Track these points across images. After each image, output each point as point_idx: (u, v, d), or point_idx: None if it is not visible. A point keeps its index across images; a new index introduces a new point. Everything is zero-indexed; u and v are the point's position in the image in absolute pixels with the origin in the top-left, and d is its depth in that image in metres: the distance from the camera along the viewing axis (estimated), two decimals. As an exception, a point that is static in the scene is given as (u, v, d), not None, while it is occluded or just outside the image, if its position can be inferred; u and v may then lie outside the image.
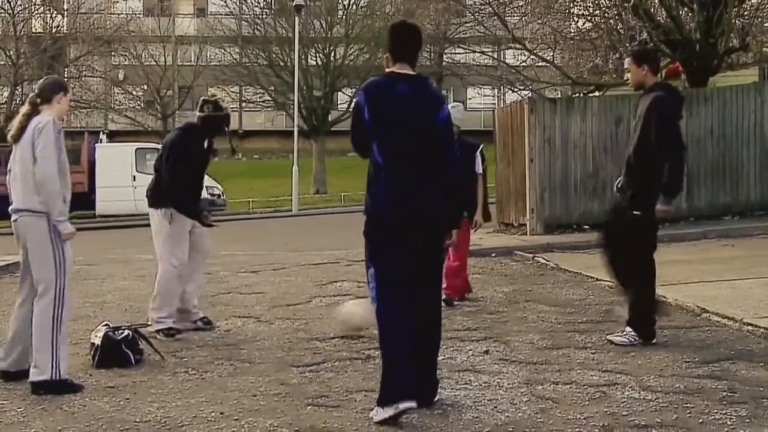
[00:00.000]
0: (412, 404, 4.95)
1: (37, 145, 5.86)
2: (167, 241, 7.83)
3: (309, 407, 5.40)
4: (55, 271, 5.93)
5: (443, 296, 8.45)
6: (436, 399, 5.36)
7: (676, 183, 6.62)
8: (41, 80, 6.39)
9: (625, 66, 7.03)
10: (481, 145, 9.60)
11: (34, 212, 5.95)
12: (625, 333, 6.77)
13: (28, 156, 5.94)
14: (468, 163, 8.84)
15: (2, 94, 37.11)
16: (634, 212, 6.66)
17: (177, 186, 7.78)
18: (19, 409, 5.54)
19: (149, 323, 7.68)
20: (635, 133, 6.80)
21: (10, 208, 6.09)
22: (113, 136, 39.53)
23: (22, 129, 6.02)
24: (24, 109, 6.14)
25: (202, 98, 8.29)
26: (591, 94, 18.80)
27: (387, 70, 5.24)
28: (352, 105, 5.39)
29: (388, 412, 4.92)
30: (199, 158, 8.04)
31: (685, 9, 17.61)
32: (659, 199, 6.60)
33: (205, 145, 8.05)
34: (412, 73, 5.21)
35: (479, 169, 8.98)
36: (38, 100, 6.10)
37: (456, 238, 8.45)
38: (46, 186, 5.85)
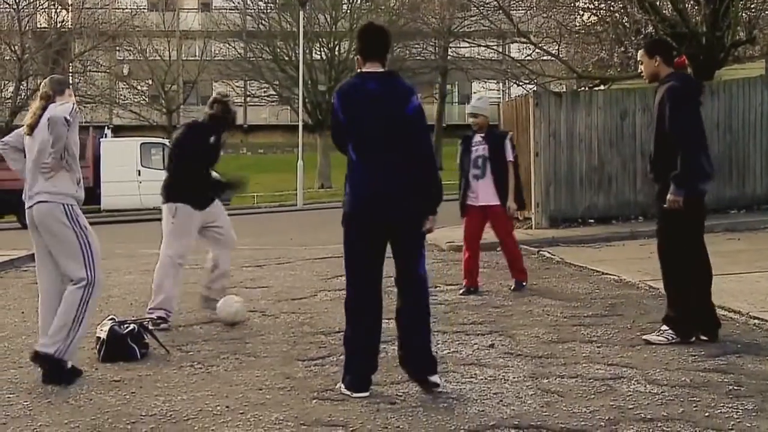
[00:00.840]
0: (365, 394, 5.37)
1: (49, 111, 5.92)
2: (169, 234, 7.99)
3: (314, 401, 5.40)
4: (82, 254, 6.02)
5: (514, 283, 9.05)
6: (440, 387, 5.44)
7: (685, 172, 6.36)
8: (46, 79, 6.40)
9: (638, 58, 6.92)
10: (510, 133, 9.70)
11: (51, 194, 5.96)
12: (661, 332, 6.59)
13: (46, 142, 5.94)
14: (498, 151, 8.97)
15: (7, 89, 37.17)
16: (664, 205, 6.49)
17: (185, 182, 7.91)
18: (25, 403, 5.55)
19: (154, 317, 7.71)
20: (653, 125, 6.66)
21: (24, 197, 6.11)
22: (118, 130, 39.63)
23: (38, 119, 6.06)
24: (37, 102, 6.17)
25: (213, 96, 8.36)
26: (596, 88, 18.77)
27: (357, 70, 5.52)
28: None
29: (346, 391, 5.43)
30: (205, 154, 8.09)
31: (692, 2, 17.54)
32: (670, 188, 6.41)
33: (212, 141, 8.09)
34: (381, 70, 5.46)
35: (510, 156, 9.10)
36: (51, 93, 6.15)
37: (499, 228, 9.02)
38: (58, 127, 5.83)
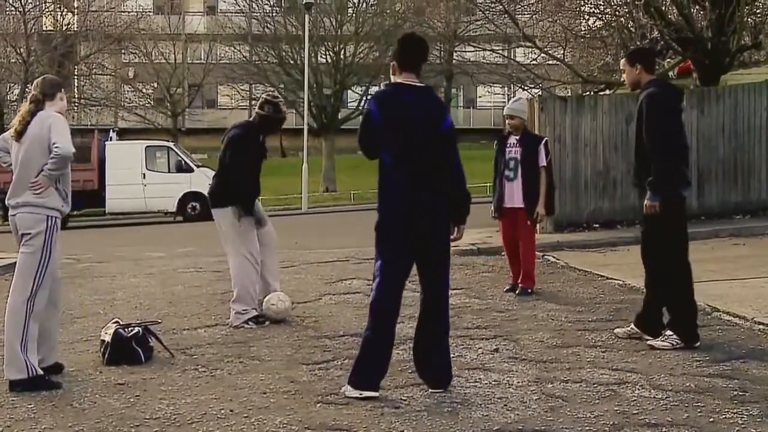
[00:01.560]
0: (375, 394, 5.44)
1: (54, 134, 5.93)
2: (237, 238, 7.99)
3: (319, 404, 5.40)
4: (37, 269, 5.96)
5: (519, 289, 9.06)
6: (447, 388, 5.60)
7: (660, 179, 6.51)
8: (38, 79, 6.42)
9: (621, 67, 7.09)
10: (545, 138, 9.73)
11: (37, 207, 5.99)
12: (666, 337, 6.60)
13: (36, 149, 5.97)
14: (531, 155, 9.08)
15: (13, 92, 37.26)
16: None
17: (241, 182, 7.95)
18: (29, 406, 5.55)
19: (159, 321, 7.72)
20: (636, 133, 6.79)
21: (7, 202, 6.13)
22: (123, 133, 39.67)
23: (26, 125, 6.06)
24: (27, 106, 6.17)
25: (264, 97, 8.43)
26: (601, 93, 18.76)
27: (393, 78, 5.62)
28: (363, 111, 5.61)
29: (353, 393, 5.46)
30: (257, 155, 8.16)
31: (697, 7, 17.54)
32: (647, 194, 6.58)
33: (261, 141, 8.22)
34: (418, 83, 5.59)
35: (543, 161, 9.14)
36: (41, 97, 6.15)
37: (520, 232, 9.12)
38: (65, 162, 5.94)
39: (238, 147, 8.03)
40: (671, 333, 6.58)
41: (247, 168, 8.01)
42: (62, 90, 6.34)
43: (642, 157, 6.68)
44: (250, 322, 7.89)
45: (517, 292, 9.10)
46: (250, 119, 8.49)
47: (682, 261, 6.69)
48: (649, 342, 6.68)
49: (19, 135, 6.08)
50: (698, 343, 6.53)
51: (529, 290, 9.14)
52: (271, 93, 8.88)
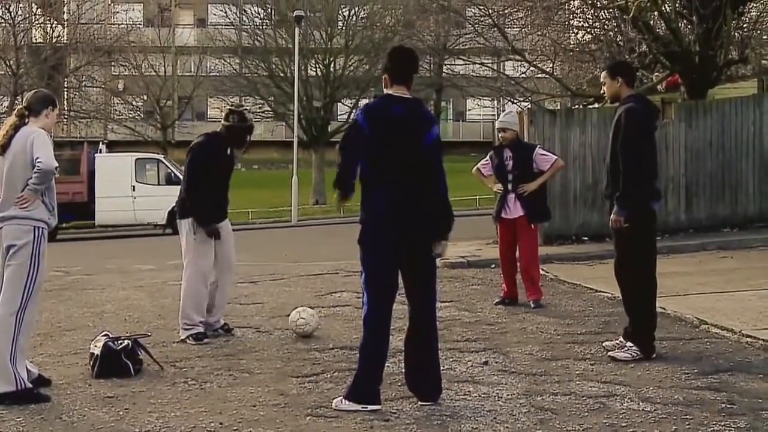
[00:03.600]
0: (379, 407, 5.46)
1: (36, 149, 5.94)
2: (190, 251, 7.93)
3: (308, 417, 5.40)
4: (26, 282, 5.96)
5: (533, 303, 9.07)
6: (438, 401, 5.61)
7: (628, 194, 6.57)
8: (30, 93, 6.44)
9: (601, 80, 7.12)
10: (538, 145, 9.92)
11: (21, 219, 5.98)
12: (626, 348, 6.70)
13: (18, 164, 5.98)
14: (526, 164, 9.20)
15: (2, 104, 37.16)
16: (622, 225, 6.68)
17: (196, 194, 7.87)
18: (18, 419, 5.54)
19: (149, 333, 7.69)
20: (610, 145, 6.83)
21: None
22: (113, 146, 39.52)
23: (9, 139, 6.07)
24: (11, 120, 6.18)
25: (228, 107, 8.40)
26: (590, 106, 18.83)
27: (385, 91, 5.63)
28: (351, 122, 5.64)
29: (353, 407, 5.44)
30: (223, 166, 8.11)
31: (685, 21, 17.65)
32: (613, 208, 6.65)
33: (228, 153, 8.15)
34: (407, 96, 5.62)
35: (545, 165, 9.28)
36: (26, 113, 6.15)
37: (522, 241, 9.19)
38: (48, 176, 5.96)
39: (197, 158, 7.94)
40: (632, 345, 6.69)
41: (204, 180, 7.88)
42: (53, 106, 6.31)
43: (615, 171, 6.71)
44: (190, 338, 7.78)
45: (532, 306, 9.07)
46: (217, 130, 8.29)
47: (649, 275, 6.78)
48: (610, 353, 6.76)
49: (3, 149, 6.09)
50: (654, 355, 6.64)
51: (541, 302, 9.15)
52: (235, 103, 8.84)
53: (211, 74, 46.40)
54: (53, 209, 6.16)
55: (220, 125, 8.19)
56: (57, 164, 6.10)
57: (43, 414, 5.64)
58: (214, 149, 8.06)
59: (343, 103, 43.02)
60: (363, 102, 37.45)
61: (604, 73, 7.04)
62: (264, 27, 42.76)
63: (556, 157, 9.61)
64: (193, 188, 7.92)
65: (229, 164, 8.30)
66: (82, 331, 8.49)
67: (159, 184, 28.05)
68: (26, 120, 6.14)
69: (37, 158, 5.90)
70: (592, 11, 19.33)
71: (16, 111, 6.22)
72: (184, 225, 8.00)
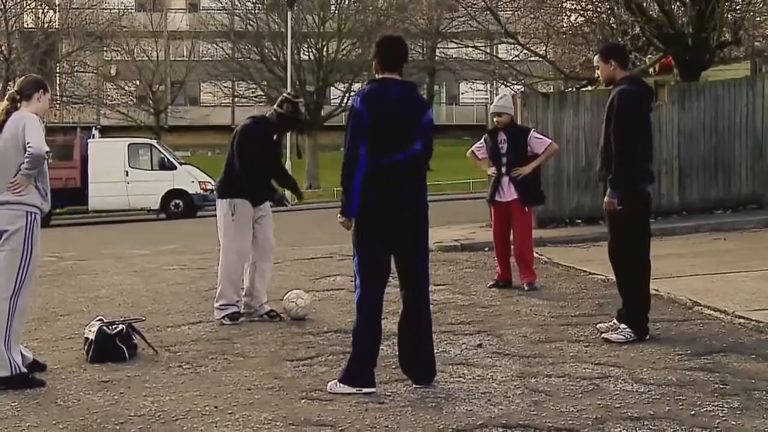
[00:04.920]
0: (374, 390, 5.48)
1: (27, 134, 5.91)
2: (228, 232, 7.97)
3: (303, 401, 5.41)
4: (19, 267, 5.95)
5: (526, 286, 9.05)
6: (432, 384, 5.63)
7: (619, 175, 6.57)
8: (22, 77, 6.41)
9: (595, 63, 7.09)
10: (533, 128, 9.96)
11: (14, 204, 5.97)
12: (620, 330, 6.72)
13: (10, 149, 5.96)
14: (520, 148, 9.21)
15: (-6, 90, 37.00)
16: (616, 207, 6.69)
17: (246, 174, 7.86)
18: (13, 403, 5.54)
19: (143, 318, 7.70)
20: (604, 128, 6.82)
21: None
22: (106, 131, 39.52)
23: (1, 124, 6.04)
24: (2, 105, 6.15)
25: (285, 95, 8.30)
26: (583, 89, 18.83)
27: (378, 76, 5.64)
28: (350, 111, 5.62)
29: (348, 390, 5.47)
30: (264, 152, 8.05)
31: (678, 3, 17.64)
32: (607, 191, 6.66)
33: (275, 139, 8.16)
34: (402, 79, 5.67)
35: (540, 148, 9.27)
36: (18, 97, 6.13)
37: (515, 225, 9.24)
38: (39, 161, 5.93)
39: (245, 139, 7.92)
40: (625, 326, 6.70)
41: (253, 161, 7.87)
42: (44, 90, 6.27)
43: (608, 153, 6.70)
44: (225, 318, 7.88)
45: (526, 289, 9.09)
46: (266, 114, 8.23)
47: (643, 257, 6.79)
48: (604, 335, 6.78)
49: None
50: (648, 337, 6.67)
51: (535, 285, 9.17)
52: (291, 92, 8.74)
53: (204, 59, 46.30)
54: (46, 194, 6.15)
55: (271, 110, 8.13)
56: (48, 149, 6.07)
57: (38, 399, 5.64)
58: (259, 132, 8.03)
59: (336, 88, 42.93)
60: (356, 86, 37.42)
61: (597, 57, 7.02)
62: (256, 11, 42.65)
63: (550, 140, 9.60)
64: (247, 167, 7.87)
65: (274, 149, 8.24)
66: (77, 316, 8.49)
67: (152, 169, 28.01)
68: (18, 105, 6.12)
69: (28, 143, 5.89)
70: (584, -7, 19.30)
71: (8, 94, 6.20)
72: (223, 205, 8.00)
